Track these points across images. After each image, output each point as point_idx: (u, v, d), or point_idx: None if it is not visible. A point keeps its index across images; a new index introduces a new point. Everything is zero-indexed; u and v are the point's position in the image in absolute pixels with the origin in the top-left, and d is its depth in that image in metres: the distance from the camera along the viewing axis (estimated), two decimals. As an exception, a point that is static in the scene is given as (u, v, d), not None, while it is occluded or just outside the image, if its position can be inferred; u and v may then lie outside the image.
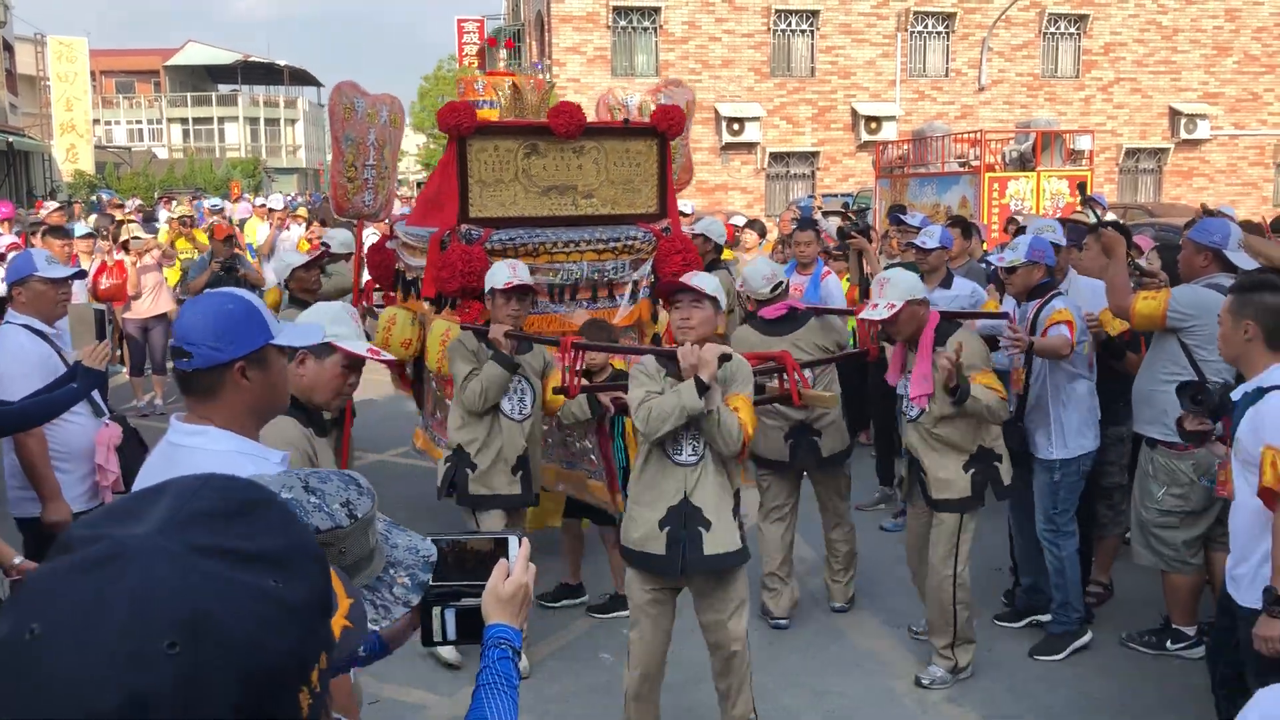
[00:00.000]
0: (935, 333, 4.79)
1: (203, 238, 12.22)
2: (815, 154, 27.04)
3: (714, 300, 4.05)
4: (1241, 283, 4.15)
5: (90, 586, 0.81)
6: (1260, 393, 3.63)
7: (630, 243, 5.98)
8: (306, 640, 0.87)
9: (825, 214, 11.72)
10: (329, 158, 7.90)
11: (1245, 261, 4.97)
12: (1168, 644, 5.25)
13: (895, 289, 4.76)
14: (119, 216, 14.74)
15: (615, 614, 5.62)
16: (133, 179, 38.31)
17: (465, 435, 5.09)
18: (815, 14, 26.54)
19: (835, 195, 21.73)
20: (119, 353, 10.92)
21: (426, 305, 6.09)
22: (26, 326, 4.61)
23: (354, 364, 3.14)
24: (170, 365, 3.76)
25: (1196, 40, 28.48)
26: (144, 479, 2.29)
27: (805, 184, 26.72)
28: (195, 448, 2.17)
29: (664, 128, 6.12)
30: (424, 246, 5.89)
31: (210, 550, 0.84)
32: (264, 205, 16.48)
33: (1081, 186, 6.11)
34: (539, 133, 5.87)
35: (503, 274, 4.97)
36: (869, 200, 18.34)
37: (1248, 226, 6.49)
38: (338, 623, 0.94)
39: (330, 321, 3.08)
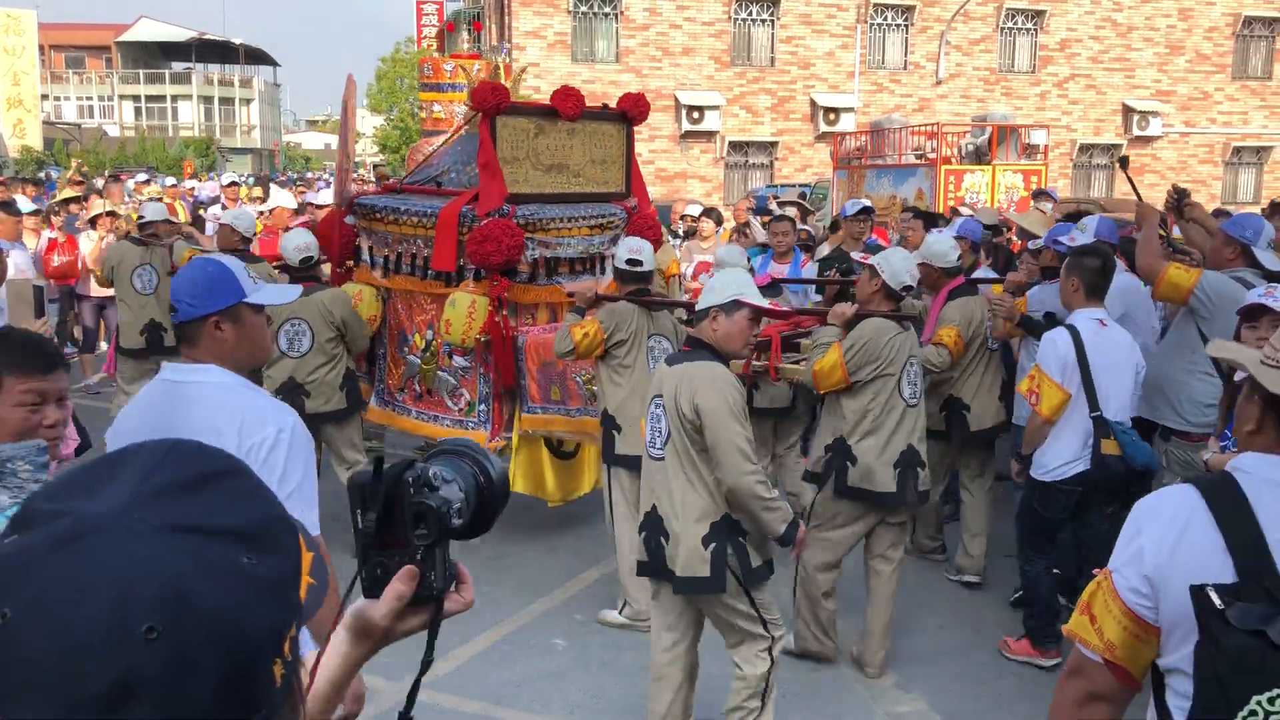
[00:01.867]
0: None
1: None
2: (774, 144, 27.12)
3: None
4: (1074, 249, 5.06)
5: (62, 567, 0.77)
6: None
7: (610, 219, 6.62)
8: (282, 612, 0.85)
9: (781, 204, 11.74)
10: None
11: (1272, 262, 4.90)
12: None
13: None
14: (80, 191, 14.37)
15: None
16: (82, 156, 37.62)
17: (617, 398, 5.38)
18: (776, 4, 26.58)
19: (792, 185, 21.79)
20: (75, 331, 10.76)
21: (378, 276, 6.58)
22: None
23: (758, 316, 3.92)
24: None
25: (1150, 38, 28.86)
26: (142, 420, 2.58)
27: (764, 174, 26.78)
28: (202, 382, 2.57)
29: (632, 113, 6.79)
30: (418, 222, 6.27)
31: (184, 526, 0.81)
32: (235, 184, 16.06)
33: (1123, 160, 6.16)
34: (544, 114, 6.42)
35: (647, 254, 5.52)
36: (826, 190, 18.41)
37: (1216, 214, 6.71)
38: (302, 582, 0.93)
39: (736, 285, 3.86)
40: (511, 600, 5.76)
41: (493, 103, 6.00)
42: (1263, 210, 12.43)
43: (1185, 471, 4.82)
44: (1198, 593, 1.73)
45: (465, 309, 5.97)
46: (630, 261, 5.45)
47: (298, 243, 6.20)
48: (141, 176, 18.31)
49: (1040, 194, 11.99)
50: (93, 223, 10.26)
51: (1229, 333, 4.35)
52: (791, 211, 9.84)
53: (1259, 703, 1.66)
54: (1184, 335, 4.99)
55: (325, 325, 6.03)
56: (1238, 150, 30.00)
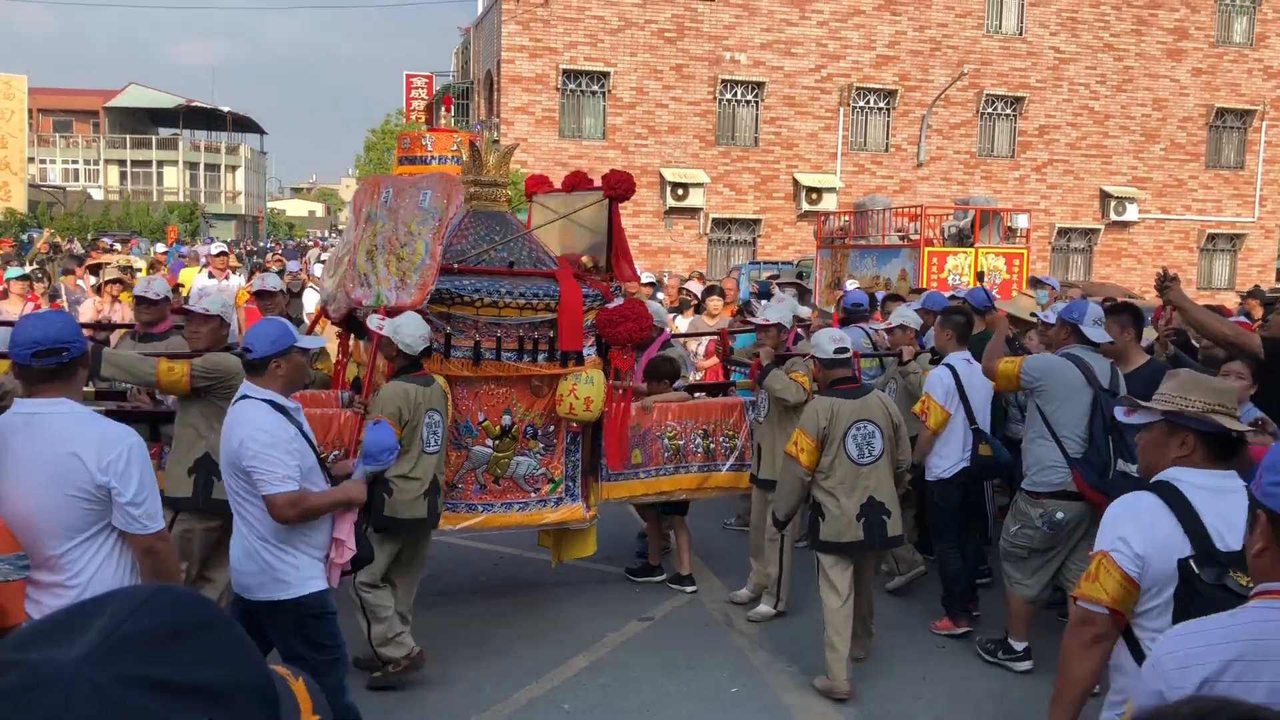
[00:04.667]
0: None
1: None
2: (757, 221, 27.40)
3: None
4: (944, 310, 7.13)
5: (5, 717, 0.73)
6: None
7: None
8: None
9: (781, 285, 11.77)
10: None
11: (1099, 336, 5.81)
12: (999, 654, 5.96)
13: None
14: (102, 259, 13.97)
15: (648, 579, 7.22)
16: (66, 219, 37.62)
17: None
18: (760, 85, 27.04)
19: (775, 263, 21.96)
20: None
21: (457, 364, 6.00)
22: None
23: None
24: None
25: (1126, 126, 29.48)
26: (4, 447, 3.17)
27: (746, 250, 27.02)
28: (58, 413, 3.18)
29: (609, 193, 6.60)
30: (525, 304, 5.94)
31: (139, 680, 0.76)
32: (223, 254, 14.87)
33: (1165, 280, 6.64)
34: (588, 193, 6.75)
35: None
36: (810, 268, 18.55)
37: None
38: None
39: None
40: (495, 688, 5.63)
41: (623, 189, 6.44)
42: (1240, 298, 12.60)
43: (1023, 521, 5.71)
44: (1183, 564, 2.74)
45: (601, 385, 6.07)
46: (839, 351, 5.77)
47: (421, 331, 5.45)
48: (110, 242, 17.61)
49: (1036, 282, 12.17)
50: (97, 290, 10.18)
51: (1055, 398, 5.58)
52: (791, 292, 9.87)
53: None
54: (1032, 412, 5.83)
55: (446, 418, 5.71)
56: (1212, 237, 30.52)
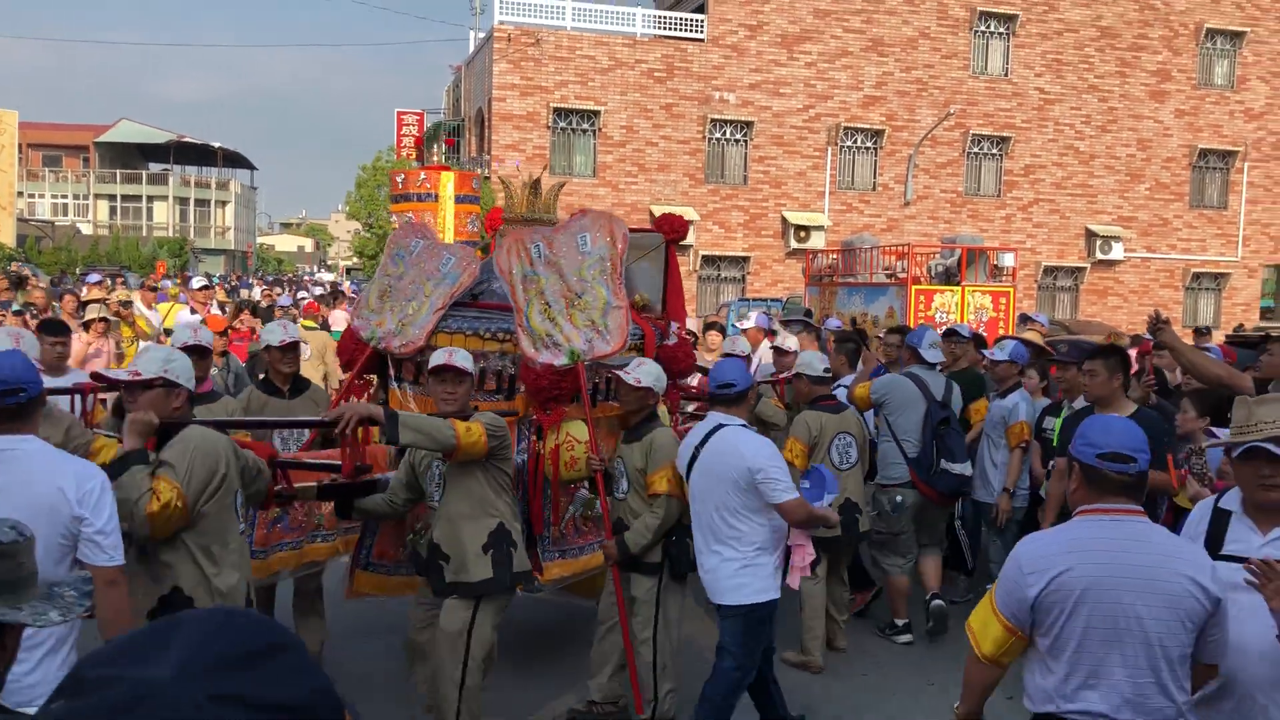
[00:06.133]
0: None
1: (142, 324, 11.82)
2: (746, 259, 27.55)
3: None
4: (837, 336, 8.72)
5: None
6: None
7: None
8: None
9: (784, 323, 11.74)
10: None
11: (934, 356, 7.16)
12: (885, 630, 7.00)
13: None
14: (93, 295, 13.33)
15: None
16: (54, 254, 37.61)
17: None
18: (749, 125, 27.28)
19: (764, 300, 22.08)
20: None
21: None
22: None
23: None
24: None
25: (1111, 166, 29.79)
26: None
27: (736, 287, 27.15)
28: (28, 450, 3.26)
29: (670, 236, 6.54)
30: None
31: (233, 699, 0.83)
32: (207, 288, 14.60)
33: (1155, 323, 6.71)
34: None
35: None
36: (799, 304, 18.66)
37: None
38: None
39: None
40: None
41: (681, 232, 6.45)
42: (1225, 338, 12.72)
43: (878, 507, 6.85)
44: None
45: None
46: (825, 370, 6.63)
47: (658, 370, 5.39)
48: (94, 277, 17.04)
49: (1025, 318, 12.29)
50: (86, 325, 10.09)
51: (895, 409, 6.81)
52: (797, 330, 9.88)
53: None
54: (880, 420, 7.02)
55: None
56: (1197, 276, 30.78)
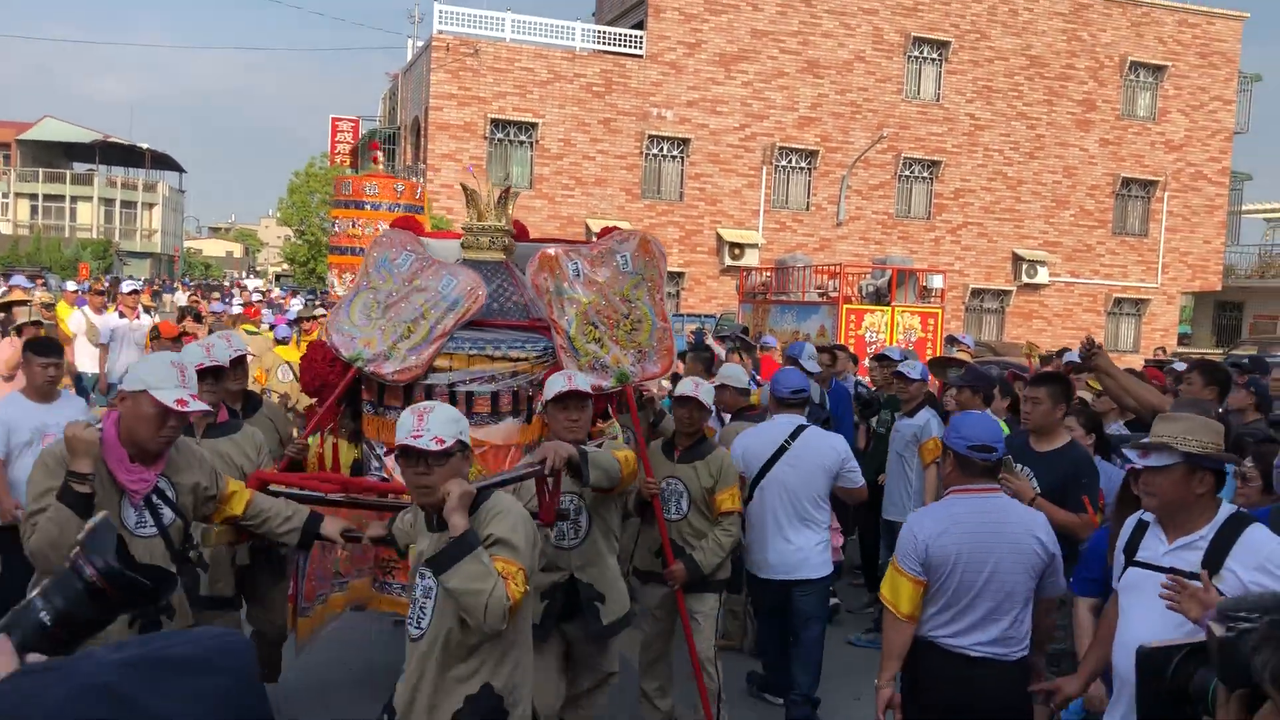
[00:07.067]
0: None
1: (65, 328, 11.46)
2: (681, 274, 27.69)
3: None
4: (694, 346, 9.12)
5: None
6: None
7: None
8: None
9: (722, 341, 11.80)
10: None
11: (814, 366, 7.95)
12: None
13: None
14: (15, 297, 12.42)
15: None
16: (-28, 253, 36.58)
17: None
18: (686, 142, 27.46)
19: (697, 316, 22.23)
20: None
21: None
22: None
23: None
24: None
25: (1038, 192, 30.50)
26: None
27: (670, 302, 27.17)
28: None
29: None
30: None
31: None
32: (135, 293, 12.95)
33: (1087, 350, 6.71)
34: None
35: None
36: (732, 321, 18.80)
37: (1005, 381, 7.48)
38: None
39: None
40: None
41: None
42: (1144, 365, 13.06)
43: None
44: None
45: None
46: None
47: (708, 384, 5.49)
48: (17, 279, 16.19)
49: (953, 339, 12.52)
50: (19, 330, 9.74)
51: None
52: (731, 347, 9.98)
53: None
54: None
55: None
56: (1119, 301, 31.59)
